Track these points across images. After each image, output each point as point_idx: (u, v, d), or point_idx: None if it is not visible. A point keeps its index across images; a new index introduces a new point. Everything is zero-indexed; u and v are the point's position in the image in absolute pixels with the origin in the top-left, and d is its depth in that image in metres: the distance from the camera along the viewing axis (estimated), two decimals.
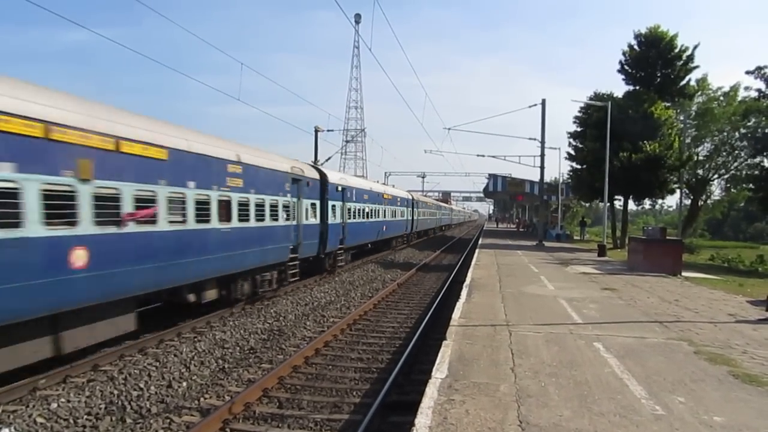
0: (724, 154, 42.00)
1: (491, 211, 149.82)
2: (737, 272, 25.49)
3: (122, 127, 9.52)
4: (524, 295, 14.12)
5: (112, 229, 9.14)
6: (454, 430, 5.24)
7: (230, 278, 13.65)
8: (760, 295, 14.56)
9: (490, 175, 65.36)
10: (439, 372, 7.09)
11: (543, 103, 35.85)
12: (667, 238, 23.64)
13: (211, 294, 12.97)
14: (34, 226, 7.60)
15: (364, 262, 27.36)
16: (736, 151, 41.18)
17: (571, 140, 42.86)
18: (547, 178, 43.57)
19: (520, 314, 11.41)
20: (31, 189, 7.57)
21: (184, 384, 8.65)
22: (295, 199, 17.47)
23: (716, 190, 46.40)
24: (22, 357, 7.85)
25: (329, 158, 33.07)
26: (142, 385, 8.37)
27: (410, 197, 43.34)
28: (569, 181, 49.74)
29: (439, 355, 7.97)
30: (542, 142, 36.53)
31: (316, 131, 33.61)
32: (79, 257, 8.38)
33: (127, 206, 9.47)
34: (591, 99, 37.94)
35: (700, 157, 42.16)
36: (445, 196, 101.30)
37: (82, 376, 8.82)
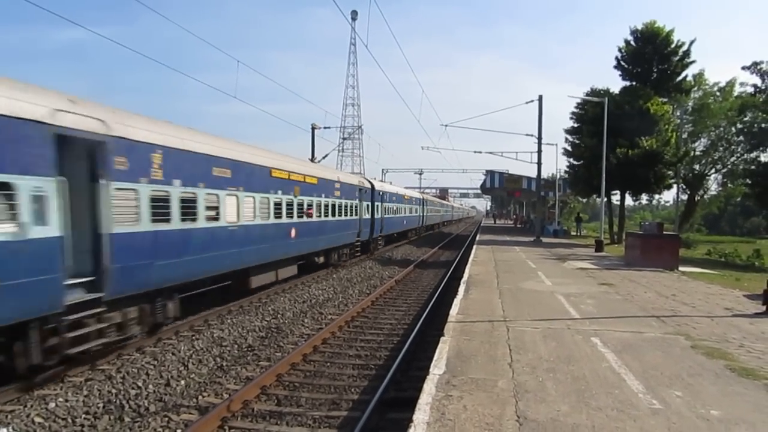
0: (721, 149, 42.16)
1: (489, 208, 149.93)
2: (734, 267, 25.57)
3: (306, 169, 19.45)
4: (522, 291, 14.15)
5: (301, 219, 18.07)
6: (452, 426, 5.24)
7: (330, 250, 22.50)
8: (757, 289, 14.57)
9: (487, 171, 65.30)
10: (437, 368, 7.10)
11: (540, 99, 35.85)
12: (664, 233, 23.66)
13: (320, 260, 21.74)
14: (284, 217, 16.51)
15: (361, 260, 27.42)
16: (733, 146, 41.32)
17: (568, 136, 42.95)
18: (545, 174, 43.63)
19: (517, 310, 11.43)
20: (284, 202, 16.48)
21: (183, 382, 8.64)
22: (358, 202, 26.23)
23: (713, 185, 46.59)
24: (267, 278, 15.99)
25: (326, 155, 33.45)
26: (140, 384, 8.36)
27: (422, 197, 51.87)
28: (566, 177, 49.82)
29: (437, 351, 7.98)
30: (539, 138, 36.50)
31: (313, 129, 33.69)
32: (293, 233, 17.31)
33: (306, 208, 18.57)
34: (588, 95, 37.97)
35: (697, 153, 42.28)
36: (443, 193, 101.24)
37: (80, 376, 8.80)
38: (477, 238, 40.76)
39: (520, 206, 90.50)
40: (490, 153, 56.00)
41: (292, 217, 17.10)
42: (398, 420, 6.89)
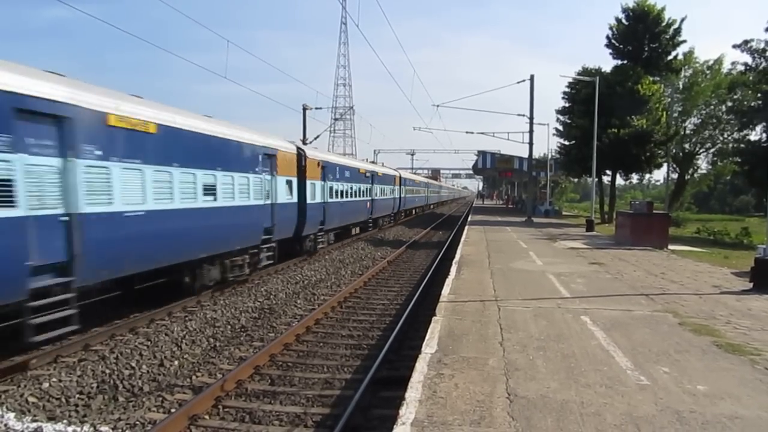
0: (711, 127, 42.18)
1: (480, 188, 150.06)
2: (723, 245, 25.86)
3: (373, 167, 34.03)
4: (513, 271, 14.25)
5: (371, 197, 31.14)
6: (443, 404, 5.32)
7: (381, 217, 35.46)
8: (745, 266, 14.79)
9: (479, 151, 65.13)
10: (429, 347, 7.17)
11: (531, 78, 35.66)
12: (654, 212, 23.83)
13: (377, 223, 34.16)
14: (366, 194, 30.21)
15: (354, 240, 27.49)
16: (723, 125, 41.37)
17: (560, 116, 42.87)
18: (536, 154, 43.57)
19: (508, 289, 11.53)
20: (365, 188, 30.07)
21: (176, 363, 8.68)
22: (393, 186, 38.62)
23: (703, 163, 46.72)
24: (357, 229, 29.70)
25: (318, 136, 33.77)
26: (133, 364, 8.39)
27: (427, 181, 65.07)
28: (558, 156, 49.87)
29: (429, 330, 8.05)
30: (531, 118, 36.40)
31: (305, 109, 33.41)
32: (370, 206, 31.37)
33: (375, 191, 32.45)
34: (579, 74, 37.81)
35: (687, 131, 42.34)
36: (435, 174, 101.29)
37: (73, 356, 8.82)
38: (469, 218, 40.85)
39: (512, 186, 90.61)
40: (482, 133, 55.82)
41: (371, 194, 30.77)
42: (391, 398, 6.97)
